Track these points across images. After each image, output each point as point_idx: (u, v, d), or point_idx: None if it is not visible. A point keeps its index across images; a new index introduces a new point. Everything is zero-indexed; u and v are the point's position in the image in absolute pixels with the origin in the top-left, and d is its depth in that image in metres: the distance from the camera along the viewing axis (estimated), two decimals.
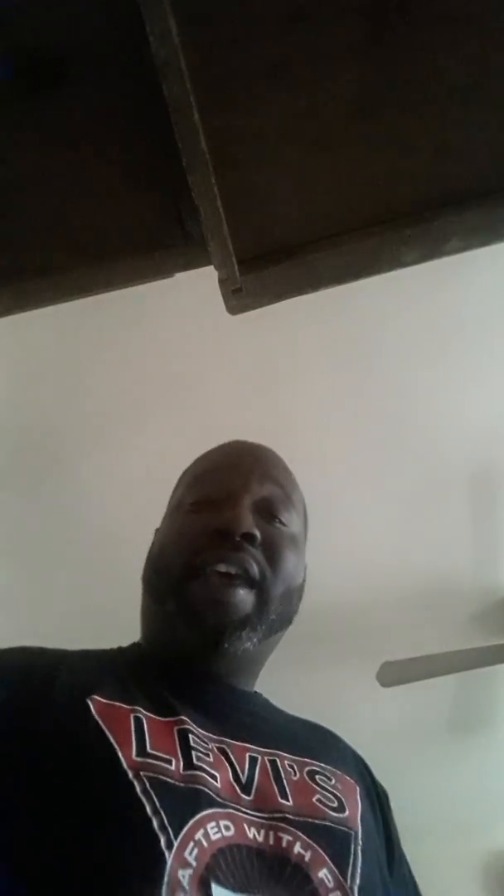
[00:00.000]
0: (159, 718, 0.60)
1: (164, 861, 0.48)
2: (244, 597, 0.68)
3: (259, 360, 1.75)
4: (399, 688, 1.95)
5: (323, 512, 1.93)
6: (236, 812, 0.56)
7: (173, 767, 0.55)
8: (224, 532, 0.69)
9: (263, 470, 0.79)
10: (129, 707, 0.60)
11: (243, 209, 0.52)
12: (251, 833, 0.55)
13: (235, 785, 0.59)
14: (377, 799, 0.73)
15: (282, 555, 0.72)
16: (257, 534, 0.70)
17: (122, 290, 0.58)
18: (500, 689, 2.33)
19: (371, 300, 1.65)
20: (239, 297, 0.56)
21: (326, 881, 0.54)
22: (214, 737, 0.63)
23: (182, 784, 0.54)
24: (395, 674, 1.94)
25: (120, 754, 0.54)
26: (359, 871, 0.57)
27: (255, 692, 0.77)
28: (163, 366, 1.75)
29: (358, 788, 0.68)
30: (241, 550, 0.69)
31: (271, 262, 0.54)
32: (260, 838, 0.55)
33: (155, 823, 0.49)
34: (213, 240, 0.51)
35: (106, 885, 0.47)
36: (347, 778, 0.69)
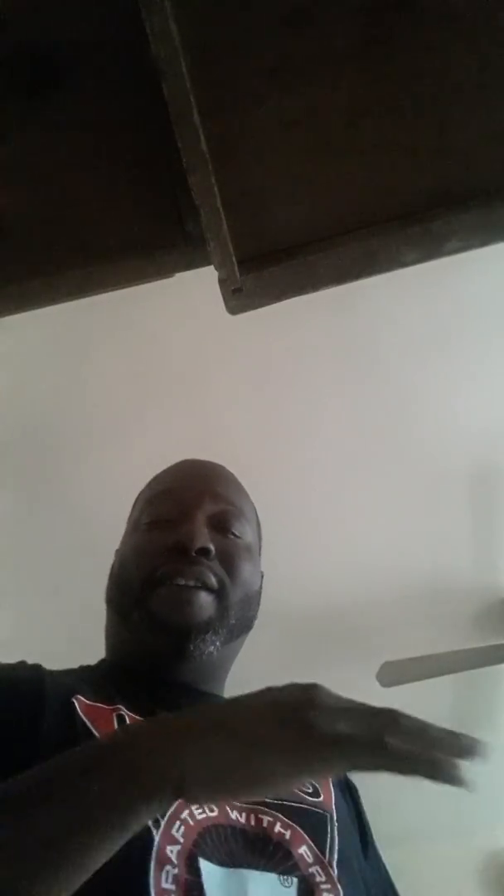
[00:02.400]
0: (139, 717, 0.63)
1: (152, 837, 0.50)
2: (206, 599, 0.71)
3: (259, 360, 1.75)
4: (399, 688, 1.94)
5: (323, 512, 1.94)
6: None
7: None
8: (180, 547, 0.72)
9: (215, 487, 0.82)
10: (110, 707, 0.62)
11: (243, 209, 0.52)
12: (233, 815, 0.57)
13: None
14: (349, 792, 0.76)
15: (237, 564, 0.76)
16: (211, 547, 0.74)
17: (122, 290, 0.58)
18: (500, 689, 2.33)
19: (371, 300, 1.65)
20: (239, 297, 0.56)
21: (306, 857, 0.57)
22: None
23: None
24: (395, 674, 1.94)
25: None
26: (336, 847, 0.60)
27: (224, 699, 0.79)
28: (163, 366, 1.74)
29: (330, 779, 0.71)
30: (197, 564, 0.72)
31: (271, 262, 0.54)
32: (242, 819, 0.58)
33: None
34: (213, 240, 0.51)
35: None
36: None
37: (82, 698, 0.62)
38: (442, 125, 0.50)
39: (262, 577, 0.86)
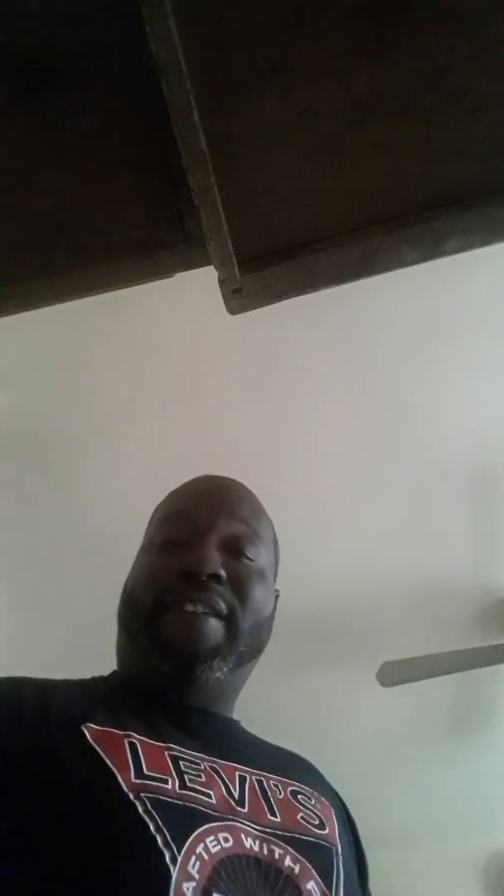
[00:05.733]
0: (152, 742, 0.63)
1: (169, 875, 0.50)
2: (214, 626, 0.71)
3: (259, 361, 1.75)
4: (399, 688, 1.95)
5: (323, 512, 1.94)
6: (233, 823, 0.59)
7: (170, 786, 0.58)
8: (191, 572, 0.72)
9: (230, 508, 0.81)
10: (122, 732, 0.62)
11: (243, 209, 0.52)
12: (248, 843, 0.58)
13: (229, 799, 0.62)
14: (348, 822, 0.76)
15: (249, 589, 0.75)
16: (223, 573, 0.73)
17: (122, 290, 0.58)
18: (500, 689, 2.33)
19: (371, 300, 1.65)
20: (239, 297, 0.56)
21: (314, 892, 0.57)
22: (206, 757, 0.65)
23: (180, 802, 0.57)
24: (395, 674, 1.94)
25: (119, 778, 0.57)
26: (342, 884, 0.61)
27: (235, 720, 0.80)
28: (163, 366, 1.74)
29: (333, 810, 0.72)
30: (207, 590, 0.72)
31: (271, 262, 0.54)
32: (256, 848, 0.58)
33: (159, 840, 0.52)
34: (213, 240, 0.51)
35: None
36: (324, 799, 0.72)
37: (92, 725, 0.62)
38: (442, 125, 0.50)
39: (278, 596, 0.85)
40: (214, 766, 0.65)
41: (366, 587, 2.09)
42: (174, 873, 0.50)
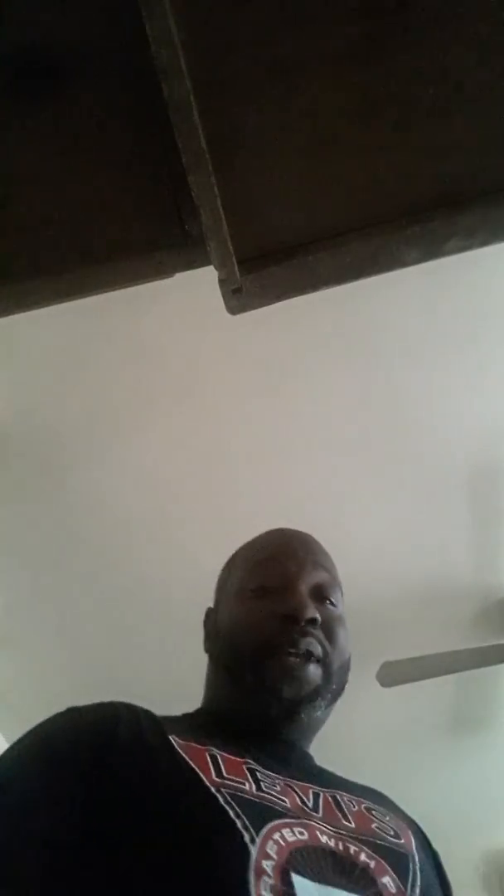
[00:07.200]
0: (231, 756, 0.68)
1: (249, 852, 0.54)
2: (314, 671, 0.77)
3: (259, 361, 1.75)
4: (399, 688, 1.95)
5: (323, 512, 1.94)
6: (308, 822, 0.63)
7: (247, 788, 0.63)
8: (291, 617, 0.78)
9: (314, 558, 0.89)
10: (203, 747, 0.67)
11: (243, 209, 0.52)
12: (323, 839, 0.61)
13: (303, 807, 0.66)
14: (429, 849, 0.79)
15: (337, 633, 0.82)
16: (319, 618, 0.79)
17: (122, 290, 0.59)
18: (500, 689, 2.33)
19: (371, 300, 1.65)
20: (239, 297, 0.56)
21: (389, 887, 0.60)
22: (280, 776, 0.70)
23: (257, 800, 0.62)
24: (395, 674, 1.94)
25: (202, 775, 0.62)
26: (418, 884, 0.63)
27: (311, 754, 0.84)
28: (163, 366, 1.74)
29: (411, 833, 0.74)
30: (307, 635, 0.78)
31: (271, 262, 0.54)
32: (332, 844, 0.61)
33: (239, 824, 0.57)
34: (213, 240, 0.51)
35: (202, 877, 0.54)
36: (400, 821, 0.76)
37: (177, 738, 0.67)
38: (442, 125, 0.50)
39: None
40: (289, 783, 0.69)
41: (366, 587, 2.09)
42: (253, 852, 0.54)
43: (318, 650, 0.78)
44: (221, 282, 0.55)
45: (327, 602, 0.84)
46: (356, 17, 0.46)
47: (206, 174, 0.48)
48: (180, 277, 0.58)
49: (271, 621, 0.78)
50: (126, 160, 0.51)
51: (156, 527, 1.91)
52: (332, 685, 0.79)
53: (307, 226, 0.54)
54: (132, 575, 1.96)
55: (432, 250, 0.54)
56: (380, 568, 2.07)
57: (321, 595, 0.84)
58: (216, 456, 1.83)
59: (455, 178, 0.53)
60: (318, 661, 0.78)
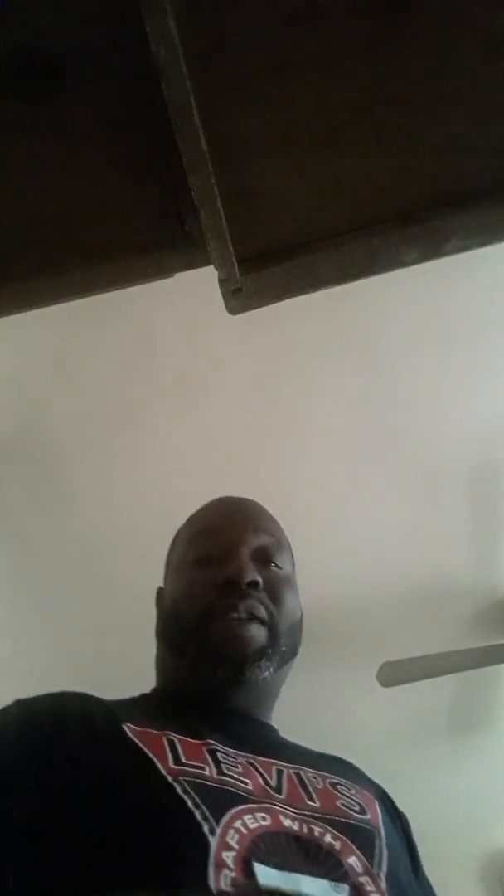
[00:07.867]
0: (189, 739, 0.66)
1: (208, 844, 0.53)
2: (258, 631, 0.76)
3: (259, 360, 1.75)
4: (399, 688, 1.95)
5: (323, 512, 1.94)
6: (271, 806, 0.61)
7: (207, 773, 0.61)
8: (231, 582, 0.77)
9: (255, 522, 0.88)
10: (160, 732, 0.66)
11: (243, 209, 0.52)
12: (286, 822, 0.60)
13: (266, 787, 0.65)
14: (399, 821, 0.78)
15: (283, 594, 0.81)
16: (260, 580, 0.79)
17: (122, 290, 0.59)
18: (500, 689, 2.33)
19: (371, 300, 1.65)
20: (239, 297, 0.56)
21: (356, 867, 0.59)
22: (241, 753, 0.68)
23: (217, 785, 0.60)
24: (395, 674, 1.94)
25: (158, 764, 0.60)
26: (385, 861, 0.62)
27: (273, 726, 0.83)
28: (163, 366, 1.74)
29: (377, 802, 0.73)
30: (248, 597, 0.77)
31: (271, 262, 0.54)
32: (295, 827, 0.60)
33: (198, 815, 0.55)
34: (213, 240, 0.51)
35: (159, 870, 0.52)
36: (366, 792, 0.74)
37: (132, 725, 0.66)
38: (442, 125, 0.50)
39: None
40: (251, 760, 0.68)
41: (366, 587, 2.09)
42: (213, 843, 0.53)
43: (261, 612, 0.77)
44: (221, 282, 0.55)
45: (271, 565, 0.83)
46: (357, 17, 0.46)
47: (206, 174, 0.48)
48: (180, 277, 0.58)
49: (212, 588, 0.78)
50: (126, 160, 0.51)
51: (156, 526, 1.91)
52: (281, 647, 0.78)
53: (307, 226, 0.54)
54: (132, 575, 1.95)
55: (432, 250, 0.54)
56: (380, 568, 2.07)
57: (264, 558, 0.83)
58: (214, 453, 1.83)
59: (455, 178, 0.53)
60: (261, 622, 0.77)
